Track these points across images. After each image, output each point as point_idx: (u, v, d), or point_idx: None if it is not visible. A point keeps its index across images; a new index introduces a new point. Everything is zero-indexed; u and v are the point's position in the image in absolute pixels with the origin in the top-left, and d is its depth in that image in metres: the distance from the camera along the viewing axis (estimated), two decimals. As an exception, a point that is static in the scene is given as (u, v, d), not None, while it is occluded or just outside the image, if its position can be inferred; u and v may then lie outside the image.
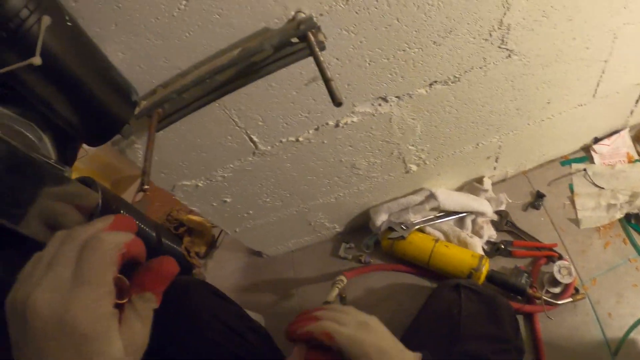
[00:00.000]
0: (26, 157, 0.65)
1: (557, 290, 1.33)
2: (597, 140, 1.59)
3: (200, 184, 1.23)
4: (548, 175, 1.60)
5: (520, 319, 1.30)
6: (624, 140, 1.58)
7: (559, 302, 1.29)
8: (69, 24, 0.71)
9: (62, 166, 0.72)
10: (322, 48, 0.80)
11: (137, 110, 0.86)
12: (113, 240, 0.49)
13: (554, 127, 1.42)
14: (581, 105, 1.36)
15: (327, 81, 0.66)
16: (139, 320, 0.51)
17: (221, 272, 1.84)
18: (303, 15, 0.82)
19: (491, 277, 1.35)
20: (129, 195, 2.43)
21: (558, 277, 1.30)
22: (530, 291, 1.31)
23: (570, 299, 1.30)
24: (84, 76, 0.74)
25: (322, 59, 0.72)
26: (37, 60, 0.63)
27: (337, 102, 0.63)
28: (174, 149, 1.08)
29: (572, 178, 1.57)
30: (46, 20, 0.64)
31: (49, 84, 0.72)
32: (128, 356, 0.48)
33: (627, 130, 1.58)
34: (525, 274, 1.33)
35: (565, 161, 1.62)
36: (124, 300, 0.50)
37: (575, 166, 1.59)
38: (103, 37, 0.80)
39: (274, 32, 0.82)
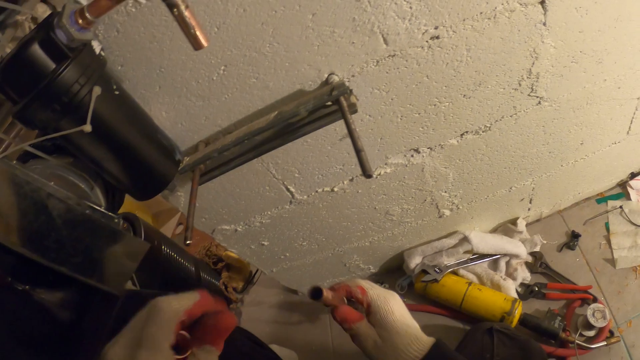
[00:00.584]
0: (85, 217, 0.71)
1: (591, 333, 1.29)
2: (633, 175, 1.56)
3: (239, 229, 1.26)
4: (584, 214, 1.57)
5: (552, 363, 1.28)
6: (661, 174, 1.53)
7: (593, 345, 1.27)
8: (116, 92, 0.76)
9: (115, 215, 0.78)
10: (354, 111, 0.83)
11: (180, 166, 0.91)
12: (172, 308, 0.54)
13: (589, 166, 1.40)
14: (615, 143, 1.35)
15: (357, 152, 0.68)
16: None
17: (257, 307, 1.87)
18: (336, 77, 0.86)
19: (524, 321, 1.34)
20: (169, 228, 2.50)
21: (592, 321, 1.27)
22: (563, 335, 1.29)
23: (604, 343, 1.26)
24: (131, 139, 0.80)
25: (354, 127, 0.74)
26: (87, 127, 0.68)
27: (367, 174, 0.65)
28: (214, 197, 1.13)
29: (608, 216, 1.53)
30: (97, 90, 0.69)
31: (99, 147, 0.77)
32: None
33: (664, 163, 1.54)
34: (559, 317, 1.31)
35: (601, 199, 1.58)
36: (187, 354, 0.55)
37: (611, 203, 1.55)
38: (148, 98, 0.85)
39: (309, 96, 0.86)
